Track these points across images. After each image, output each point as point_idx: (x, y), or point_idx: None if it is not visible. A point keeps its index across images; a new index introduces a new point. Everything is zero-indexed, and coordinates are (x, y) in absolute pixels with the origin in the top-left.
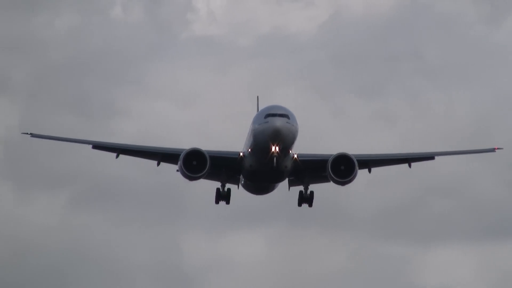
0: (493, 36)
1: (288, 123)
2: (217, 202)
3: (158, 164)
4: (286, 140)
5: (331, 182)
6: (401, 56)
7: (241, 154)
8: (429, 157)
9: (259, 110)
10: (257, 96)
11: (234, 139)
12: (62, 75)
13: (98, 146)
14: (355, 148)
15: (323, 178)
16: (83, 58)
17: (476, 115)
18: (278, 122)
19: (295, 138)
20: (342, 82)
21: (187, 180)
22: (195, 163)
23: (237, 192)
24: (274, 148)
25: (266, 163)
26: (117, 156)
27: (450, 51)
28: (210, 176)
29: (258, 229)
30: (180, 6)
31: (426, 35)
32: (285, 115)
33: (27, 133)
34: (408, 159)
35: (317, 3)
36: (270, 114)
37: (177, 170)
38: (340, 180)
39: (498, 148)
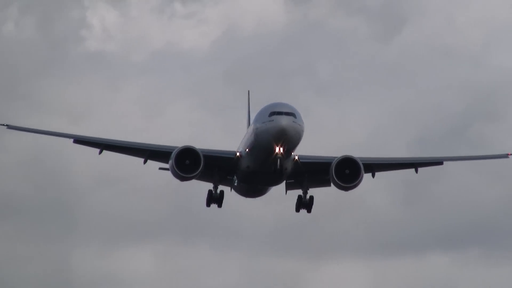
0: (384, 53)
1: (295, 122)
2: (208, 205)
3: (145, 162)
4: (291, 140)
5: (334, 187)
6: (293, 72)
7: (238, 154)
8: (438, 162)
9: (262, 108)
10: (248, 91)
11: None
12: None
13: (80, 140)
14: None
15: (323, 182)
16: None
17: (367, 129)
18: (284, 121)
19: (301, 139)
20: (234, 98)
21: (178, 180)
22: (187, 162)
23: (230, 195)
24: (278, 149)
25: (266, 165)
26: (100, 152)
27: (342, 67)
28: (203, 176)
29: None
30: (74, 23)
31: (318, 51)
32: (291, 114)
33: (3, 125)
34: (415, 164)
35: (209, 20)
36: (276, 112)
37: (160, 168)
38: (344, 185)
39: (511, 154)
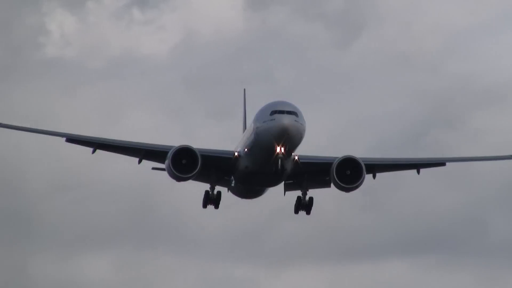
0: (343, 59)
1: (297, 122)
2: (204, 206)
3: (140, 162)
4: (293, 140)
5: (335, 187)
6: (252, 79)
7: (236, 154)
8: (440, 163)
9: (263, 106)
10: (244, 89)
11: (85, 160)
12: None
13: (72, 139)
14: None
15: (323, 183)
16: None
17: (325, 136)
18: (286, 120)
19: (302, 138)
20: (194, 104)
21: (174, 181)
22: (184, 162)
23: (227, 196)
24: (279, 149)
25: (266, 165)
26: (93, 151)
27: (300, 74)
28: (200, 177)
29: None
30: (32, 29)
31: (276, 58)
32: (293, 113)
33: None
34: (417, 165)
35: (168, 27)
36: (277, 110)
37: (154, 168)
38: (345, 186)
39: None
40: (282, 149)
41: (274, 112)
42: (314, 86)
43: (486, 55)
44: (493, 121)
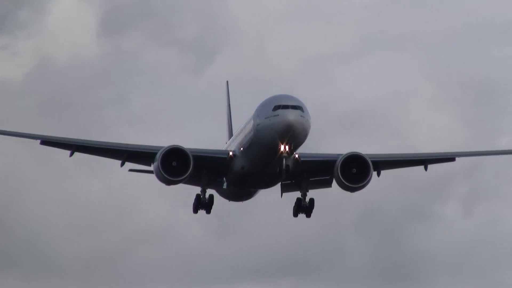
0: (196, 84)
1: (302, 117)
2: (195, 211)
3: (122, 165)
4: (298, 137)
5: (334, 188)
6: (108, 103)
7: (231, 153)
8: (450, 158)
9: (264, 101)
10: (227, 81)
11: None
12: None
13: (48, 141)
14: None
15: (323, 183)
16: None
17: None
18: (292, 116)
19: (307, 135)
20: (48, 129)
21: (163, 185)
22: (174, 164)
23: (219, 199)
24: (283, 147)
25: (265, 165)
26: (71, 154)
27: (156, 99)
28: (190, 179)
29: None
30: None
31: (131, 83)
32: (298, 107)
33: None
34: (425, 160)
35: (23, 53)
36: (281, 105)
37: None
38: (351, 185)
39: None
40: (287, 147)
41: (278, 107)
42: (169, 110)
43: (342, 81)
44: (349, 146)
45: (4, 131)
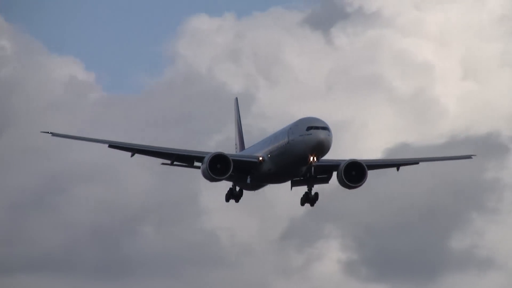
0: None
1: (329, 136)
2: (227, 200)
3: (172, 164)
4: (325, 151)
5: (340, 185)
6: None
7: (261, 158)
8: (414, 162)
9: (295, 121)
10: (236, 98)
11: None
12: None
13: (114, 145)
14: None
15: (322, 180)
16: None
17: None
18: (322, 135)
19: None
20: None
21: (207, 181)
22: (219, 166)
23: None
24: (312, 158)
25: (289, 169)
26: (132, 155)
27: None
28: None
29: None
30: None
31: None
32: (326, 128)
33: (48, 132)
34: (396, 164)
35: None
36: (313, 126)
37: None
38: (352, 184)
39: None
40: (315, 158)
41: (310, 128)
42: None
43: None
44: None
45: (77, 136)
